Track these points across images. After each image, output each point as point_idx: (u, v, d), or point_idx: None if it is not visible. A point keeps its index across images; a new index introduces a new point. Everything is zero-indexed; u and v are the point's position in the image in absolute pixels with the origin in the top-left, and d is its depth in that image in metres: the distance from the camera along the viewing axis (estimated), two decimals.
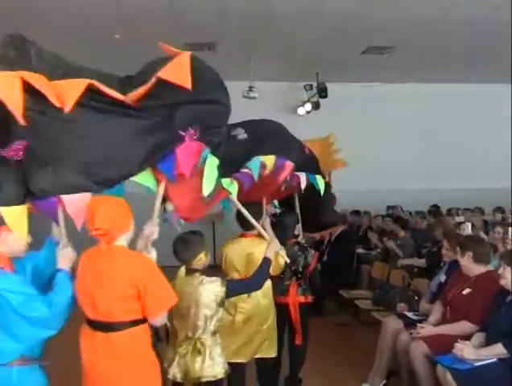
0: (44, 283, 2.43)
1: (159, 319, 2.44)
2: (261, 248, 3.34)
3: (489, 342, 3.43)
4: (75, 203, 2.30)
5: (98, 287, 2.34)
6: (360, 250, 7.49)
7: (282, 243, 3.51)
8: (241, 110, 10.60)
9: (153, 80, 2.35)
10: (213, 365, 2.71)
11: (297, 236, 4.28)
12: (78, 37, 7.65)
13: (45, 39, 8.14)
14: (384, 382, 4.27)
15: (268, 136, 3.36)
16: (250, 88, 8.99)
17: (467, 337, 3.58)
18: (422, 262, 5.93)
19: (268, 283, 3.42)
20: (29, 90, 2.13)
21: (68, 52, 9.08)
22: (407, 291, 5.11)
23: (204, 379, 2.70)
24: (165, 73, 2.39)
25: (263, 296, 3.44)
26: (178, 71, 2.42)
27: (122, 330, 2.36)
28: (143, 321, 2.40)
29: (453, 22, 7.15)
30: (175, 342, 2.84)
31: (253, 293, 3.31)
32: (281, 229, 3.79)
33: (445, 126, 10.84)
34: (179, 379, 2.74)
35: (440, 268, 4.65)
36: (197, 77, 2.47)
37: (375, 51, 8.66)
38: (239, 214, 3.40)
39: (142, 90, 2.36)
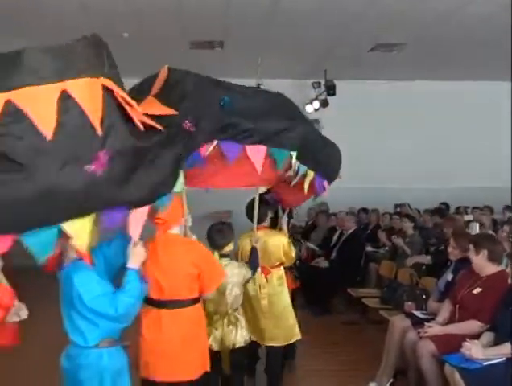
0: (114, 274, 2.59)
1: (211, 293, 2.95)
2: (273, 238, 3.88)
3: (497, 342, 3.41)
4: (140, 216, 2.35)
5: (161, 270, 2.71)
6: (368, 248, 7.48)
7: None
8: None
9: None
10: (243, 334, 3.31)
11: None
12: (83, 34, 7.67)
13: (50, 35, 8.18)
14: (391, 381, 4.25)
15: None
16: (258, 86, 8.95)
17: (475, 336, 3.56)
18: (428, 259, 5.90)
19: (281, 271, 3.95)
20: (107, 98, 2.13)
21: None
22: (415, 289, 5.08)
23: (237, 346, 3.28)
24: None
25: (279, 284, 3.90)
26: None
27: (186, 306, 2.79)
28: (199, 299, 2.87)
29: (464, 18, 7.10)
30: (208, 318, 3.23)
31: (270, 279, 3.84)
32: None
33: (455, 124, 10.77)
34: (215, 349, 3.24)
35: (448, 266, 4.62)
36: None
37: (384, 49, 8.62)
38: (251, 208, 3.71)
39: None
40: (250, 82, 8.92)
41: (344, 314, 6.64)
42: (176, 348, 2.76)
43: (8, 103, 1.85)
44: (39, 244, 2.05)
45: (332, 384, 4.54)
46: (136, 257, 2.51)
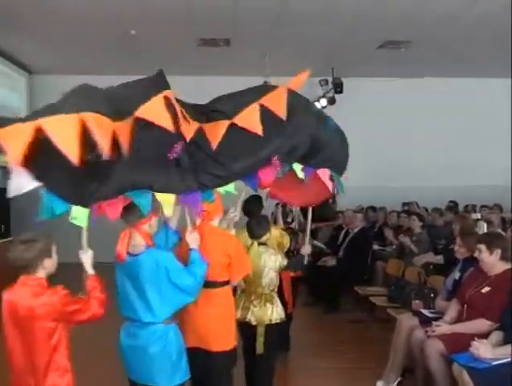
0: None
1: (238, 281, 3.49)
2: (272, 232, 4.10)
3: (506, 341, 3.38)
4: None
5: (203, 254, 3.04)
6: (375, 246, 7.44)
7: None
8: None
9: (255, 105, 2.91)
10: (278, 311, 3.72)
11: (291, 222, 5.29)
12: (92, 31, 7.70)
13: (59, 33, 8.28)
14: (399, 379, 4.24)
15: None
16: (265, 83, 8.95)
17: (483, 335, 3.54)
18: (439, 259, 5.86)
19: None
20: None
21: (82, 47, 9.21)
22: (423, 288, 5.06)
23: (273, 321, 3.67)
24: (266, 101, 3.01)
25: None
26: (277, 102, 3.01)
27: (217, 287, 3.22)
28: (229, 282, 3.31)
29: (472, 15, 7.04)
30: (246, 297, 3.74)
31: None
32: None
33: (463, 121, 10.69)
34: (253, 323, 3.66)
35: (456, 265, 4.59)
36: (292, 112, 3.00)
37: (392, 46, 8.56)
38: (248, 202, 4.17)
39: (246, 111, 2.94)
40: (257, 80, 9.02)
41: (351, 312, 6.63)
42: (208, 321, 3.20)
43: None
44: (144, 204, 2.62)
45: (339, 383, 4.54)
46: (195, 241, 3.00)
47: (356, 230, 7.08)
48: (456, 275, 4.30)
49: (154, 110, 2.55)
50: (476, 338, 3.41)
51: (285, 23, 7.32)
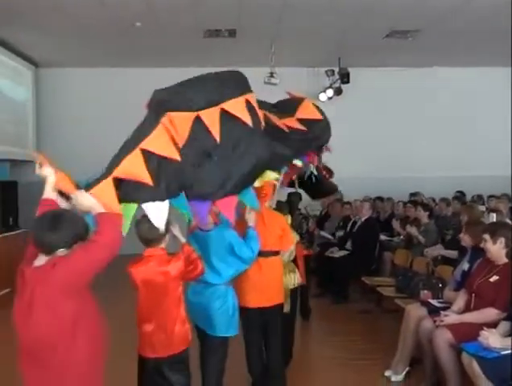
0: None
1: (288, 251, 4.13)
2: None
3: None
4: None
5: (262, 230, 3.58)
6: (382, 237, 7.43)
7: (291, 214, 4.69)
8: (262, 96, 10.58)
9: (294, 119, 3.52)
10: (297, 277, 4.38)
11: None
12: (98, 24, 7.68)
13: (64, 27, 8.28)
14: (407, 369, 4.25)
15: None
16: (271, 74, 8.93)
17: (491, 324, 3.54)
18: (453, 253, 5.78)
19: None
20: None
21: (88, 39, 9.22)
22: (431, 278, 5.05)
23: (296, 286, 4.38)
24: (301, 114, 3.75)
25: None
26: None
27: (273, 256, 3.83)
28: (279, 252, 3.91)
29: (481, 3, 6.96)
30: None
31: None
32: (288, 204, 4.90)
33: (471, 112, 10.62)
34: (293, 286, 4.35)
35: (465, 255, 4.58)
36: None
37: (399, 35, 8.50)
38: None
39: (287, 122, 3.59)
40: (263, 70, 9.03)
41: (358, 302, 6.64)
42: (269, 282, 3.80)
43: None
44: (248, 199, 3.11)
45: (347, 373, 4.54)
46: (252, 220, 3.51)
47: (363, 219, 7.07)
48: (465, 266, 4.29)
49: (237, 107, 2.88)
50: (485, 328, 3.40)
51: (291, 13, 7.27)
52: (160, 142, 2.72)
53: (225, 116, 2.81)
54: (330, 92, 10.14)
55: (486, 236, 3.84)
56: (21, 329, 2.17)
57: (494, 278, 3.78)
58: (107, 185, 2.57)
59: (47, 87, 10.46)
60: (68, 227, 2.20)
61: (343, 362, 4.74)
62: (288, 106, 3.97)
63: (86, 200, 2.40)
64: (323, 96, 10.29)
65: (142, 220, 2.87)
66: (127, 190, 2.61)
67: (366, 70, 10.34)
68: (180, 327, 2.98)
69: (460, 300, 4.01)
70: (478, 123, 10.56)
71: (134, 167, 2.65)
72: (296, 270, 4.43)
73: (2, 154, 8.85)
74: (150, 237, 2.96)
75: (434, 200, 8.73)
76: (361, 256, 6.74)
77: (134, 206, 2.64)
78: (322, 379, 4.46)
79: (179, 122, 2.75)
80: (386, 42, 8.80)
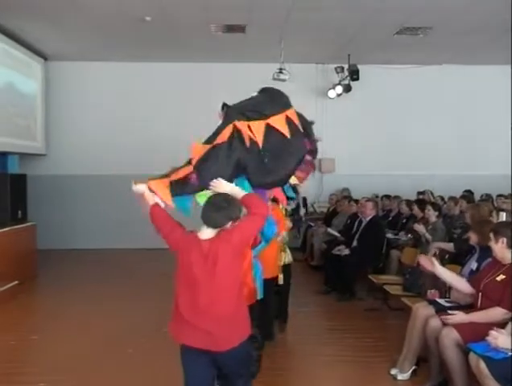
0: None
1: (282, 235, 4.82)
2: None
3: None
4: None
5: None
6: (389, 235, 7.40)
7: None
8: None
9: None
10: (289, 256, 5.44)
11: None
12: (107, 18, 7.69)
13: (74, 20, 8.26)
14: (413, 368, 4.23)
15: None
16: (281, 70, 8.90)
17: (499, 324, 3.51)
18: (450, 246, 5.82)
19: None
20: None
21: (97, 33, 9.21)
22: (439, 277, 5.01)
23: (287, 263, 5.35)
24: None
25: None
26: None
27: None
28: None
29: (493, 1, 6.89)
30: None
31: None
32: None
33: (481, 110, 10.55)
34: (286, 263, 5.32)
35: (472, 254, 4.56)
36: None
37: (409, 32, 8.44)
38: None
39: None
40: (273, 66, 9.01)
41: (364, 300, 6.62)
42: (267, 260, 4.20)
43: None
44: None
45: (353, 370, 4.54)
46: (271, 209, 3.62)
47: (368, 218, 7.03)
48: (474, 265, 4.27)
49: (279, 122, 3.41)
50: (494, 328, 3.38)
51: (301, 9, 7.24)
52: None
53: (269, 128, 3.38)
54: (339, 89, 10.10)
55: (491, 235, 3.87)
56: (205, 283, 2.76)
57: (501, 277, 3.77)
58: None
59: (57, 80, 10.50)
60: (230, 208, 2.82)
61: (349, 359, 4.73)
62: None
63: (225, 187, 3.02)
64: (332, 93, 10.26)
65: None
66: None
67: (376, 67, 10.29)
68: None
69: (469, 299, 4.00)
70: (489, 121, 10.48)
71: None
72: (287, 250, 5.35)
73: (12, 147, 8.90)
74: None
75: (443, 198, 8.68)
76: (367, 255, 6.72)
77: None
78: (327, 377, 4.46)
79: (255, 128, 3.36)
80: (396, 39, 8.74)
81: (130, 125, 10.46)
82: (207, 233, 2.80)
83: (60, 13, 7.46)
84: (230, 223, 2.81)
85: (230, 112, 3.50)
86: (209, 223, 2.80)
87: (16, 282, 6.93)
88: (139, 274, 8.45)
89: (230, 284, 2.82)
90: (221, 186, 3.02)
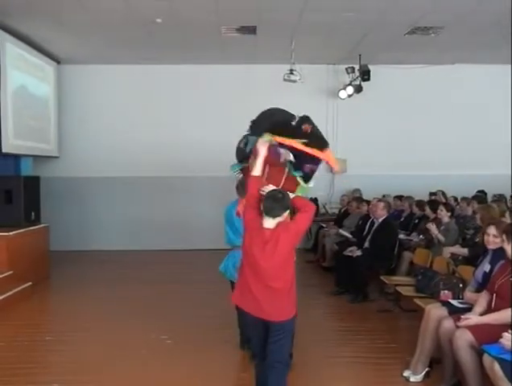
0: None
1: None
2: None
3: None
4: None
5: None
6: (401, 236, 7.36)
7: None
8: (282, 93, 10.73)
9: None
10: None
11: None
12: (119, 20, 7.74)
13: (86, 23, 8.32)
14: (426, 370, 4.21)
15: None
16: (291, 71, 8.90)
17: None
18: (464, 251, 5.77)
19: None
20: None
21: (109, 36, 9.26)
22: (452, 278, 4.99)
23: None
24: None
25: None
26: None
27: None
28: None
29: (503, 1, 6.83)
30: None
31: None
32: None
33: (494, 110, 10.45)
34: None
35: (485, 255, 4.51)
36: None
37: (421, 32, 8.39)
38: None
39: None
40: (284, 67, 9.00)
41: (377, 301, 6.60)
42: None
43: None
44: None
45: (365, 371, 4.53)
46: None
47: (380, 219, 6.99)
48: (487, 267, 4.22)
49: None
50: (509, 331, 3.35)
51: (311, 10, 7.23)
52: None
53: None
54: (350, 90, 10.07)
55: (503, 237, 3.84)
56: (264, 263, 3.27)
57: None
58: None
59: (69, 83, 10.59)
60: (285, 199, 3.37)
61: (361, 361, 4.72)
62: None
63: None
64: (343, 94, 10.23)
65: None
66: None
67: (387, 67, 10.25)
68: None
69: (483, 300, 3.96)
70: (502, 121, 10.37)
71: None
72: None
73: (26, 150, 8.99)
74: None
75: (456, 199, 8.62)
76: (379, 256, 6.69)
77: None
78: (339, 378, 4.44)
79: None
80: (407, 38, 8.69)
81: (142, 127, 10.52)
82: (268, 223, 3.34)
83: (72, 17, 7.52)
84: (285, 213, 3.36)
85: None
86: (270, 213, 3.34)
87: (30, 283, 7.00)
88: (152, 276, 8.49)
89: (285, 267, 3.34)
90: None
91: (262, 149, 3.60)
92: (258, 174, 3.58)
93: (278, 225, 3.34)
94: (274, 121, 3.87)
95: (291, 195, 3.53)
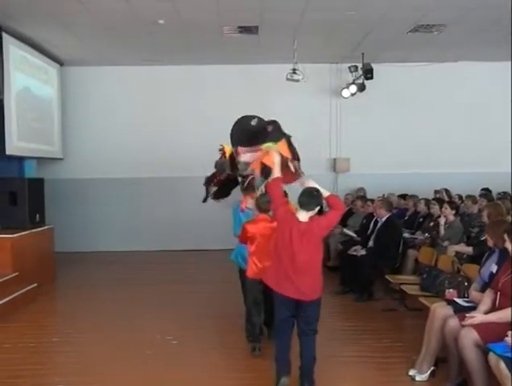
0: None
1: None
2: None
3: None
4: None
5: None
6: (406, 235, 7.34)
7: None
8: (285, 93, 10.74)
9: None
10: None
11: None
12: (121, 22, 7.75)
13: (88, 25, 8.30)
14: (432, 369, 4.19)
15: None
16: (294, 71, 8.89)
17: None
18: (469, 250, 5.75)
19: None
20: None
21: (111, 37, 9.27)
22: (457, 277, 4.97)
23: None
24: None
25: None
26: None
27: None
28: None
29: None
30: None
31: None
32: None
33: (497, 107, 10.41)
34: None
35: (490, 254, 4.49)
36: None
37: (423, 30, 8.37)
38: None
39: None
40: (286, 67, 9.00)
41: (382, 300, 6.59)
42: None
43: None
44: None
45: (371, 371, 4.52)
46: None
47: (383, 219, 6.97)
48: (494, 268, 4.17)
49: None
50: None
51: (313, 9, 7.22)
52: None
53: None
54: (353, 88, 10.06)
55: (505, 236, 3.84)
56: (301, 253, 3.82)
57: None
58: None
59: (72, 85, 10.62)
60: (319, 197, 3.91)
61: (366, 360, 4.71)
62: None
63: (314, 184, 4.05)
64: (346, 93, 10.21)
65: (265, 195, 4.57)
66: None
67: (390, 65, 10.23)
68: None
69: (488, 299, 3.94)
70: (506, 118, 10.33)
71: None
72: None
73: (30, 152, 9.02)
74: (264, 207, 4.62)
75: (461, 197, 8.58)
76: (384, 255, 6.68)
77: None
78: (345, 377, 4.45)
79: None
80: (410, 37, 8.67)
81: (146, 128, 10.53)
82: (302, 216, 3.86)
83: (75, 19, 7.54)
84: (317, 208, 3.88)
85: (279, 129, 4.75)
86: (304, 207, 3.85)
87: (35, 285, 7.02)
88: (157, 276, 8.50)
89: (316, 256, 3.92)
90: (312, 183, 4.09)
91: (276, 156, 4.28)
92: (279, 176, 4.17)
93: (311, 219, 3.86)
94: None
95: (325, 194, 3.98)
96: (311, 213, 3.84)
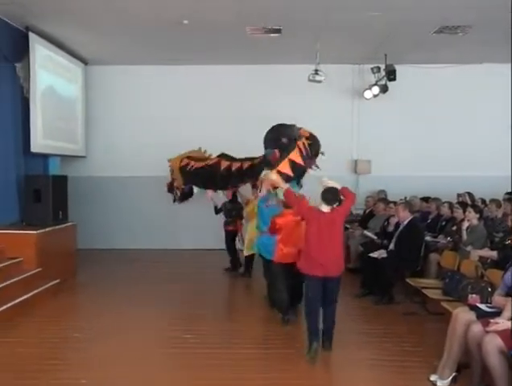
0: None
1: None
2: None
3: None
4: None
5: None
6: (428, 238, 7.25)
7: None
8: (307, 94, 10.71)
9: None
10: None
11: None
12: (145, 22, 7.82)
13: (113, 25, 8.38)
14: (454, 374, 4.13)
15: None
16: (316, 72, 8.86)
17: None
18: (493, 254, 5.66)
19: None
20: None
21: (136, 37, 9.35)
22: (480, 282, 4.90)
23: None
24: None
25: None
26: None
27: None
28: None
29: None
30: None
31: None
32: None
33: None
34: None
35: None
36: None
37: (448, 31, 8.26)
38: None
39: None
40: (308, 68, 8.96)
41: (403, 304, 6.51)
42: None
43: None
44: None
45: (391, 375, 4.47)
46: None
47: (405, 222, 6.88)
48: None
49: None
50: None
51: (336, 9, 7.19)
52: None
53: None
54: (376, 90, 9.98)
55: None
56: (329, 238, 4.74)
57: None
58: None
59: (96, 84, 10.74)
60: (338, 193, 4.87)
61: (386, 364, 4.66)
62: None
63: (334, 183, 4.96)
64: (368, 94, 10.14)
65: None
66: None
67: (413, 67, 10.13)
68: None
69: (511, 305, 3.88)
70: None
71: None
72: None
73: (54, 149, 9.16)
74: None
75: (484, 201, 8.44)
76: (405, 257, 6.61)
77: None
78: (364, 381, 4.41)
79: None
80: (434, 38, 8.57)
81: (168, 127, 10.59)
82: (325, 208, 4.79)
83: (100, 19, 7.63)
84: (337, 203, 4.83)
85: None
86: (328, 202, 4.79)
87: (57, 281, 7.13)
88: (177, 274, 8.55)
89: (340, 239, 4.91)
90: (331, 182, 4.91)
91: (273, 176, 5.75)
92: (286, 187, 5.32)
93: (331, 210, 4.80)
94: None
95: (339, 187, 4.88)
96: (332, 206, 4.80)
